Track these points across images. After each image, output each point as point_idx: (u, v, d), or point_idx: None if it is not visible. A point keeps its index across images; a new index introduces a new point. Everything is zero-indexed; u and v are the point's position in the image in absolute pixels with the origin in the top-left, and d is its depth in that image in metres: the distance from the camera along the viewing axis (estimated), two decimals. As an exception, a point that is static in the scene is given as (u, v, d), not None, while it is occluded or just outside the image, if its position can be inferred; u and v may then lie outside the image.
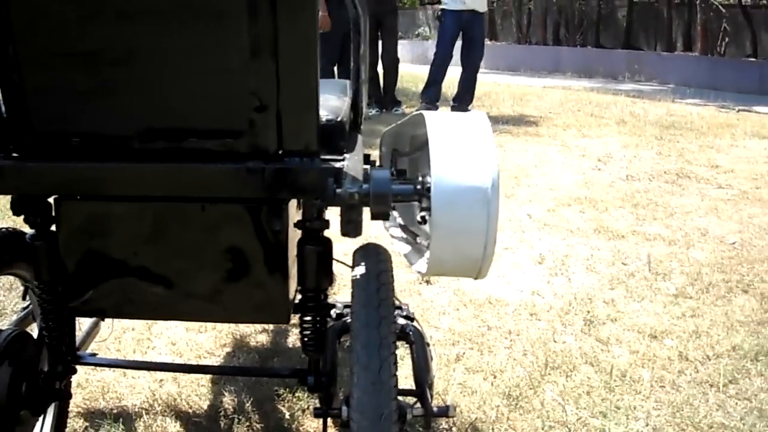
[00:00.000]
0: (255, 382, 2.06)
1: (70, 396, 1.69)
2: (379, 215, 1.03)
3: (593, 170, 4.27)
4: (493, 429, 1.93)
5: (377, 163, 1.77)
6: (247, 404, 1.96)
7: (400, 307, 1.75)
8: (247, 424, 1.92)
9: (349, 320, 1.57)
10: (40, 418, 1.62)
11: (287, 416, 1.95)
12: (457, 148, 0.94)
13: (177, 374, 2.08)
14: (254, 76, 1.08)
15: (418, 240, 1.33)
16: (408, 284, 2.80)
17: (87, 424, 1.91)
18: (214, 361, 2.14)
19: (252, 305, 1.43)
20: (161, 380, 2.09)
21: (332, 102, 1.45)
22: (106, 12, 1.07)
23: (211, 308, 1.46)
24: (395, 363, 1.28)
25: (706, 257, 3.00)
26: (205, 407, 1.97)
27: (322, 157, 1.26)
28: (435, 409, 1.51)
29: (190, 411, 1.96)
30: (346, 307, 1.75)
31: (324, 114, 1.33)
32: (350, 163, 1.25)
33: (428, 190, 0.99)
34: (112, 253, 1.37)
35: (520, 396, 2.06)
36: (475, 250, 0.96)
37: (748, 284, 2.73)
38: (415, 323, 1.73)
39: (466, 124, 0.99)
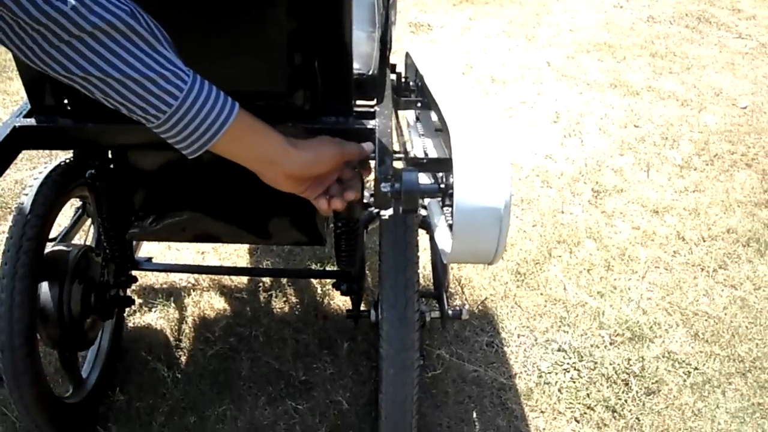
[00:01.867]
0: (290, 265, 2.26)
1: (131, 302, 1.88)
2: (409, 210, 1.15)
3: (615, 8, 4.21)
4: (500, 305, 2.14)
5: (402, 75, 1.84)
6: (284, 280, 2.17)
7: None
8: (284, 298, 2.13)
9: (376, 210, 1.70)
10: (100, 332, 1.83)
11: (319, 291, 2.15)
12: (478, 173, 1.06)
13: (219, 252, 2.27)
14: (288, 40, 1.12)
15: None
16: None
17: (141, 301, 2.13)
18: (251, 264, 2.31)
19: (291, 230, 1.58)
20: (203, 252, 2.28)
21: (362, 46, 1.49)
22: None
23: (254, 233, 1.62)
24: (417, 263, 1.43)
25: (716, 123, 3.08)
26: (245, 282, 2.17)
27: (356, 109, 1.35)
28: (450, 312, 1.69)
29: (232, 287, 2.16)
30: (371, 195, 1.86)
31: (356, 67, 1.40)
32: (381, 122, 1.32)
33: (451, 195, 1.11)
34: (165, 188, 1.51)
35: (527, 272, 2.25)
36: (488, 255, 1.10)
37: (752, 158, 2.83)
38: None
39: (488, 145, 1.09)
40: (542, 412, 1.82)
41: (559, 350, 1.99)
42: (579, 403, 1.83)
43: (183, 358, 1.96)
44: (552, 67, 3.48)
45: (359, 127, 1.29)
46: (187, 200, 1.54)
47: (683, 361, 1.96)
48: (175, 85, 0.93)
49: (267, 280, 2.18)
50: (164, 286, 2.17)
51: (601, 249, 2.35)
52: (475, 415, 1.82)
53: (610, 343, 2.01)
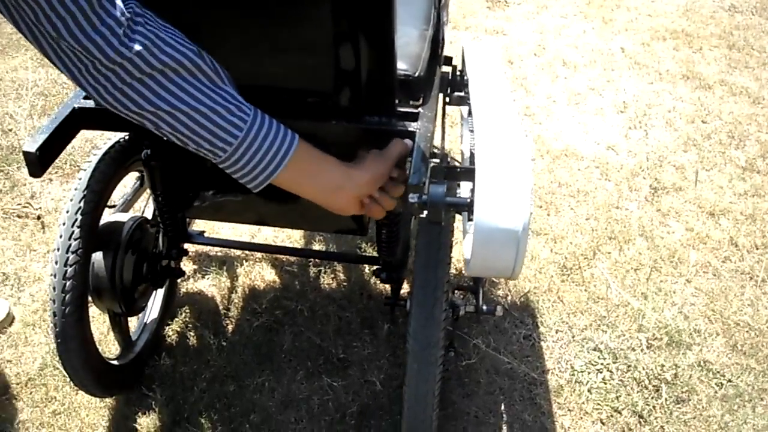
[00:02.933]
0: (336, 247, 2.29)
1: (183, 273, 1.94)
2: (434, 222, 1.16)
3: (700, -8, 4.06)
4: (542, 299, 2.13)
5: (458, 69, 1.83)
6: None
7: None
8: (332, 275, 2.17)
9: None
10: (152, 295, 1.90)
11: (366, 270, 2.18)
12: (499, 195, 1.06)
13: (272, 228, 2.31)
14: (337, 48, 1.13)
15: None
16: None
17: (196, 267, 2.19)
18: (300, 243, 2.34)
19: (334, 218, 1.60)
20: (258, 229, 2.33)
21: (412, 46, 1.49)
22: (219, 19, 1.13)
23: (297, 219, 1.65)
24: (449, 264, 1.44)
25: (786, 122, 2.97)
26: (295, 258, 2.21)
27: (400, 109, 1.35)
28: (484, 307, 1.70)
29: (283, 259, 2.21)
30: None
31: (402, 68, 1.40)
32: (423, 125, 1.32)
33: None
34: (214, 171, 1.54)
35: (573, 267, 2.23)
36: (506, 272, 1.11)
37: (819, 164, 2.73)
38: None
39: (512, 166, 1.09)
40: (569, 410, 1.82)
41: (594, 349, 1.98)
42: (607, 405, 1.83)
43: (230, 327, 2.02)
44: (625, 53, 3.40)
45: (401, 129, 1.30)
46: (235, 184, 1.57)
47: (717, 372, 1.92)
48: (239, 118, 0.97)
49: (317, 259, 2.22)
50: (219, 254, 2.23)
51: (652, 249, 2.31)
52: (503, 407, 1.83)
53: (647, 347, 1.98)
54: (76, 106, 1.42)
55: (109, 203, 1.77)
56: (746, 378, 1.92)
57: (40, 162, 1.32)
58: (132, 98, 0.92)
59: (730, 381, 1.91)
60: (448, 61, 1.86)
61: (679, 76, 3.24)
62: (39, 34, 0.86)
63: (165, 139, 0.99)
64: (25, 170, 2.53)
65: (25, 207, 2.42)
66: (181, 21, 1.00)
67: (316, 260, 2.20)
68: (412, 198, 1.16)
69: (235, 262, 2.20)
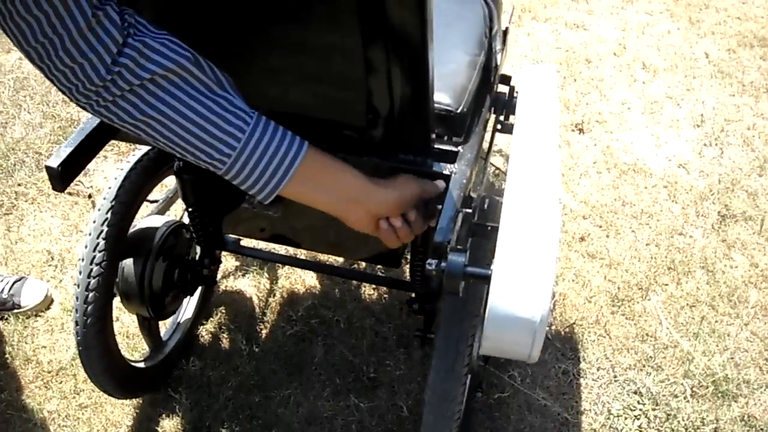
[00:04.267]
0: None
1: (215, 282, 1.89)
2: (451, 291, 1.06)
3: (799, -4, 3.76)
4: (589, 331, 2.01)
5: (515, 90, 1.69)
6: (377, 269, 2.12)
7: None
8: (374, 286, 2.09)
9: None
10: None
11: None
12: (518, 280, 0.96)
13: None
14: (369, 81, 1.05)
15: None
16: (561, 129, 2.74)
17: (238, 263, 2.14)
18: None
19: (367, 248, 1.52)
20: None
21: (459, 77, 1.37)
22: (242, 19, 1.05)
23: (330, 245, 1.57)
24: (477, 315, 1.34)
25: None
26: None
27: (438, 146, 1.25)
28: None
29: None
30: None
31: (444, 102, 1.29)
32: (460, 167, 1.22)
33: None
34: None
35: (625, 299, 2.11)
36: (522, 357, 1.01)
37: None
38: None
39: (536, 248, 0.99)
40: (600, 460, 1.72)
41: (635, 392, 1.86)
42: (640, 459, 1.72)
43: (263, 333, 1.97)
44: (709, 59, 3.17)
45: (435, 171, 1.20)
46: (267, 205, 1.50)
47: (761, 429, 1.79)
48: (237, 127, 0.90)
49: (363, 264, 2.14)
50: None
51: (712, 284, 2.16)
52: (530, 449, 1.74)
53: (691, 395, 1.86)
54: (106, 118, 1.36)
55: (150, 198, 1.73)
56: (794, 441, 1.78)
57: (62, 177, 1.28)
58: (125, 109, 0.87)
59: (775, 442, 1.77)
60: (506, 80, 1.73)
61: (764, 89, 3.02)
62: (33, 52, 0.81)
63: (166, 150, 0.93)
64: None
65: (76, 185, 2.41)
66: (216, 49, 0.94)
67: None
68: (430, 264, 1.07)
69: (277, 264, 2.14)
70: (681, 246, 2.29)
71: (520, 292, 0.94)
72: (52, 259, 2.19)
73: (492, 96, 1.49)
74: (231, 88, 0.93)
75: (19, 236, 2.28)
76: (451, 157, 1.23)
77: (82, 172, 2.41)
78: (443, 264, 1.04)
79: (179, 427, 1.75)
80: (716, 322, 2.06)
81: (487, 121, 1.45)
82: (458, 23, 1.50)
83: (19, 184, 2.45)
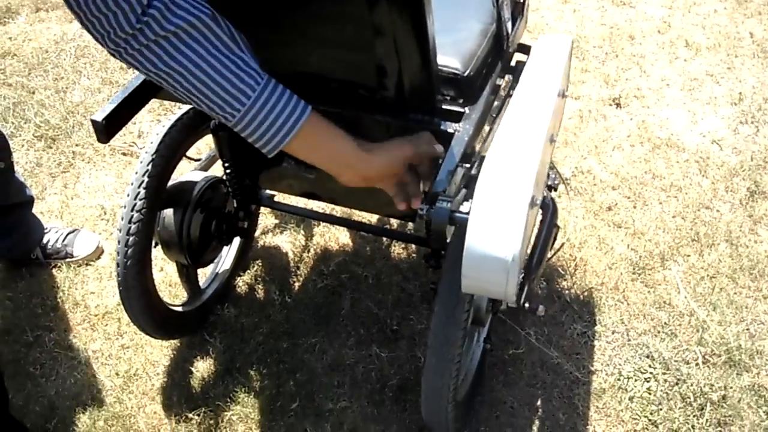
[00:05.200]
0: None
1: (250, 234, 2.01)
2: (438, 234, 1.16)
3: None
4: (607, 296, 2.09)
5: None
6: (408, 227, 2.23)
7: (547, 174, 1.75)
8: (403, 245, 2.20)
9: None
10: (227, 246, 1.98)
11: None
12: (492, 222, 1.06)
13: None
14: (377, 45, 1.14)
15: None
16: (598, 103, 2.80)
17: (277, 221, 2.27)
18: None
19: (386, 202, 1.62)
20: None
21: (468, 43, 1.46)
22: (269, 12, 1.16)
23: (352, 199, 1.68)
24: None
25: None
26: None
27: (445, 107, 1.34)
28: (526, 304, 1.67)
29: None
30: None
31: (452, 65, 1.38)
32: (465, 126, 1.31)
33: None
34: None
35: (646, 267, 2.17)
36: (498, 295, 1.11)
37: None
38: (553, 195, 1.77)
39: (511, 194, 1.08)
40: (606, 416, 1.80)
41: (647, 356, 1.93)
42: (645, 417, 1.79)
43: (296, 285, 2.09)
44: (754, 39, 3.17)
45: (441, 129, 1.30)
46: (295, 162, 1.61)
47: (771, 399, 1.84)
48: (248, 85, 1.00)
49: (394, 222, 2.25)
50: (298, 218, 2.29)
51: (734, 257, 2.21)
52: (540, 402, 1.83)
53: (703, 362, 1.92)
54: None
55: (194, 157, 1.86)
56: (800, 410, 1.83)
57: (106, 130, 1.41)
58: (149, 59, 0.97)
59: (782, 410, 1.82)
60: (526, 49, 1.80)
61: (810, 70, 3.01)
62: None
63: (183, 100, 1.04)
64: (137, 109, 2.67)
65: (131, 146, 2.56)
66: (235, 15, 1.03)
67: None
68: (421, 209, 1.17)
69: (313, 222, 2.26)
70: (707, 219, 2.33)
71: (493, 233, 1.03)
72: (105, 213, 2.35)
73: (504, 63, 1.56)
74: (247, 49, 1.03)
75: (74, 192, 2.45)
76: (457, 117, 1.32)
77: (137, 134, 2.57)
78: (431, 210, 1.15)
79: (212, 368, 1.89)
80: (735, 294, 2.10)
81: (499, 86, 1.53)
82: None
83: (77, 145, 2.62)
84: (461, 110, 1.34)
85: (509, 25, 1.51)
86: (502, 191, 1.07)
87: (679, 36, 3.20)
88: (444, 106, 1.34)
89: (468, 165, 1.26)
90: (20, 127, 2.71)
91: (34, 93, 2.88)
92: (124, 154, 2.54)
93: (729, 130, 2.69)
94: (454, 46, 1.40)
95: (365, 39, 1.15)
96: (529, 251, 1.76)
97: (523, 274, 1.69)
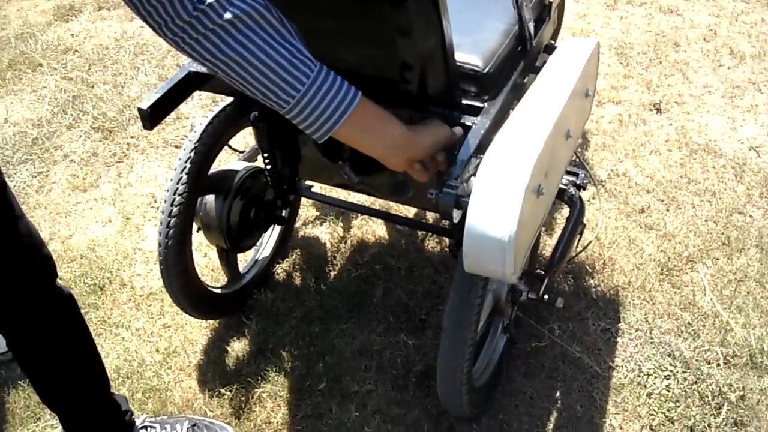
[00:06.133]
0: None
1: (288, 222, 2.11)
2: (446, 215, 1.24)
3: None
4: (633, 295, 2.13)
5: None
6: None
7: (575, 173, 1.78)
8: (437, 239, 2.27)
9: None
10: (269, 232, 2.08)
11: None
12: (491, 202, 1.13)
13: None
14: (400, 43, 1.22)
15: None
16: (638, 108, 2.83)
17: (317, 213, 2.37)
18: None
19: (418, 196, 1.70)
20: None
21: (491, 42, 1.53)
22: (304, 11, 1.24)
23: (387, 192, 1.76)
24: None
25: None
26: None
27: (465, 102, 1.42)
28: (545, 297, 1.73)
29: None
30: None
31: (472, 62, 1.46)
32: (482, 120, 1.39)
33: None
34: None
35: (674, 268, 2.20)
36: (497, 275, 1.17)
37: None
38: (582, 196, 1.82)
39: (511, 177, 1.15)
40: (623, 410, 1.85)
41: (669, 355, 1.97)
42: (662, 413, 1.83)
43: (331, 274, 2.19)
44: (804, 47, 3.17)
45: (460, 122, 1.38)
46: (328, 153, 1.70)
47: (791, 402, 1.86)
48: (303, 72, 1.05)
49: (429, 216, 2.33)
50: (335, 211, 2.38)
51: (763, 261, 2.23)
52: (558, 394, 1.88)
53: (723, 363, 1.95)
54: (191, 70, 1.60)
55: (239, 149, 1.97)
56: (819, 413, 1.85)
57: (150, 118, 1.52)
58: (206, 47, 1.01)
59: (801, 413, 1.84)
60: (552, 50, 1.87)
61: None
62: None
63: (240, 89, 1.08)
64: (190, 104, 2.81)
65: (182, 139, 2.69)
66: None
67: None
68: (431, 194, 1.25)
69: (351, 215, 2.35)
70: (739, 224, 2.35)
71: (490, 215, 1.11)
72: (155, 201, 2.48)
73: (528, 62, 1.63)
74: (298, 36, 1.07)
75: (127, 181, 2.58)
76: (475, 111, 1.40)
77: (189, 128, 2.70)
78: (440, 194, 1.23)
79: (246, 348, 1.99)
80: (762, 298, 2.13)
81: (521, 84, 1.60)
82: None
83: (131, 137, 2.76)
84: (480, 105, 1.42)
85: (531, 25, 1.58)
86: (501, 175, 1.14)
87: (725, 44, 3.22)
88: (464, 101, 1.42)
89: (482, 156, 1.34)
90: (78, 119, 2.87)
91: (93, 87, 3.03)
92: (176, 146, 2.67)
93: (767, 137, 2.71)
94: (475, 45, 1.48)
95: (389, 37, 1.24)
96: (550, 245, 1.83)
97: (543, 270, 1.77)
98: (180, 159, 1.70)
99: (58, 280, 1.43)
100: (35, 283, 1.36)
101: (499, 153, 1.20)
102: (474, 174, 1.32)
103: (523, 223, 1.17)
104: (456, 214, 1.24)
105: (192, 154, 1.69)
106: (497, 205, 1.13)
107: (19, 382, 1.93)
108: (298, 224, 2.32)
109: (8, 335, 1.44)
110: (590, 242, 2.23)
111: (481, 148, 1.34)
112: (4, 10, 3.62)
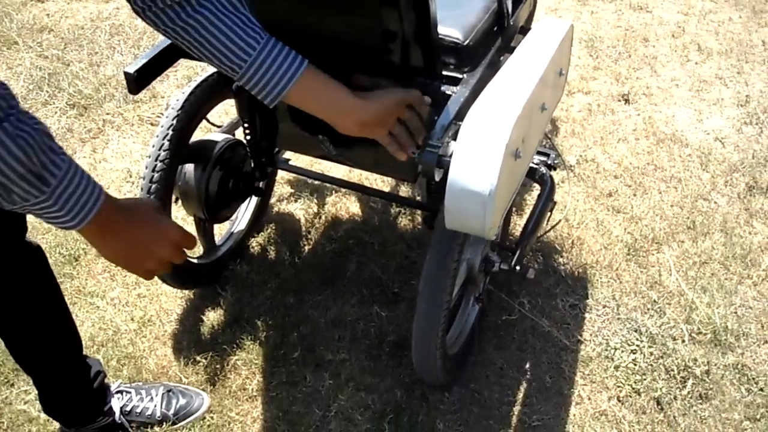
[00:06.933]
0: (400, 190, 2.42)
1: (264, 194, 2.13)
2: (427, 174, 1.28)
3: None
4: (601, 273, 2.18)
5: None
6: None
7: (547, 154, 1.84)
8: (410, 217, 2.31)
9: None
10: (245, 206, 2.10)
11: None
12: (472, 159, 1.17)
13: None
14: (384, 12, 1.26)
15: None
16: (607, 98, 2.90)
17: (292, 190, 2.39)
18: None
19: (389, 164, 1.73)
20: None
21: (470, 17, 1.58)
22: None
23: (358, 159, 1.79)
24: None
25: None
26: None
27: (445, 73, 1.47)
28: (517, 267, 1.78)
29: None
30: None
31: (452, 35, 1.50)
32: (461, 89, 1.43)
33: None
34: (292, 112, 1.70)
35: (641, 249, 2.26)
36: (477, 230, 1.22)
37: None
38: (553, 175, 1.87)
39: (491, 137, 1.19)
40: (591, 382, 1.90)
41: (635, 330, 2.02)
42: (628, 385, 1.88)
43: (305, 248, 2.21)
44: (765, 46, 3.26)
45: (441, 91, 1.42)
46: (307, 125, 1.73)
47: (752, 378, 1.92)
48: (253, 39, 1.13)
49: (403, 191, 2.36)
50: (315, 182, 2.41)
51: (728, 245, 2.29)
52: (528, 365, 1.93)
53: (689, 339, 2.01)
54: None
55: (217, 123, 1.98)
56: (778, 388, 1.91)
57: (136, 82, 1.54)
58: (169, 16, 1.10)
59: (761, 390, 1.90)
60: (527, 31, 1.92)
61: (818, 77, 3.09)
62: None
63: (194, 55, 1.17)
64: (165, 83, 2.81)
65: (158, 117, 2.69)
66: None
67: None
68: (414, 153, 1.29)
69: (326, 191, 2.38)
70: (704, 210, 2.42)
71: (472, 171, 1.15)
72: (130, 176, 2.48)
73: (505, 41, 1.68)
74: (246, 8, 1.16)
75: (102, 157, 2.59)
76: (455, 82, 1.44)
77: (165, 106, 2.71)
78: (422, 153, 1.27)
79: (221, 317, 2.01)
80: (726, 279, 2.19)
81: (497, 60, 1.64)
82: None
83: (107, 113, 2.76)
84: (459, 76, 1.46)
85: (509, 4, 1.62)
86: (483, 134, 1.18)
87: (693, 41, 3.30)
88: (444, 72, 1.46)
89: (460, 123, 1.38)
90: (54, 95, 2.86)
91: (69, 65, 3.03)
92: (151, 124, 2.67)
93: (733, 129, 2.78)
94: (457, 19, 1.52)
95: (374, 7, 1.27)
96: (521, 225, 1.87)
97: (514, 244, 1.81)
98: (162, 125, 1.72)
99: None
100: (9, 233, 1.37)
101: (481, 115, 1.24)
102: (453, 138, 1.37)
103: (502, 182, 1.21)
104: (437, 174, 1.28)
105: (174, 122, 1.71)
106: (479, 161, 1.17)
107: (-8, 348, 1.93)
108: (273, 200, 2.35)
109: None
110: (559, 221, 2.28)
111: (460, 115, 1.38)
112: (-22, -12, 3.59)
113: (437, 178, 1.26)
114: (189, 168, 1.83)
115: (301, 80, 1.18)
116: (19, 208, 0.88)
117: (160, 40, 1.62)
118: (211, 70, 1.78)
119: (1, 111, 0.83)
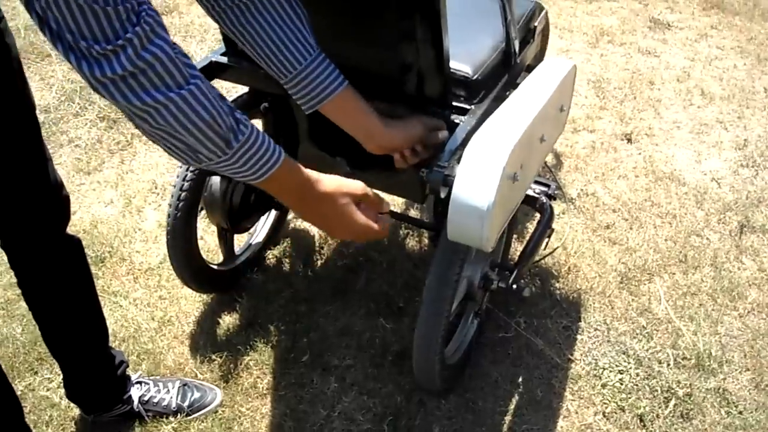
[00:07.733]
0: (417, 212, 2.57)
1: (282, 208, 2.29)
2: (434, 191, 1.45)
3: None
4: (594, 299, 2.33)
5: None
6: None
7: (547, 185, 1.99)
8: (418, 239, 2.46)
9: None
10: (263, 219, 2.27)
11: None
12: (474, 177, 1.33)
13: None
14: (402, 47, 1.43)
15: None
16: (611, 137, 3.06)
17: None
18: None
19: (399, 183, 1.89)
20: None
21: (481, 54, 1.75)
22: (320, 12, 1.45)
23: (375, 181, 1.94)
24: None
25: None
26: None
27: (455, 104, 1.64)
28: (513, 286, 1.92)
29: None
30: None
31: (463, 69, 1.67)
32: (468, 120, 1.59)
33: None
34: (313, 131, 1.87)
35: (633, 278, 2.41)
36: (477, 242, 1.37)
37: None
38: (553, 205, 2.02)
39: (491, 161, 1.35)
40: (579, 398, 2.04)
41: (623, 353, 2.16)
42: (614, 402, 2.02)
43: (318, 262, 2.37)
44: (767, 93, 3.42)
45: (450, 120, 1.59)
46: (327, 146, 1.89)
47: (732, 402, 2.05)
48: (307, 51, 1.36)
49: (413, 212, 2.52)
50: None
51: (717, 279, 2.44)
52: (521, 379, 2.07)
53: (674, 363, 2.14)
54: (212, 59, 1.79)
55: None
56: (758, 415, 2.02)
57: None
58: (230, 17, 1.29)
59: (741, 413, 2.03)
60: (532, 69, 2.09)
61: (814, 126, 3.24)
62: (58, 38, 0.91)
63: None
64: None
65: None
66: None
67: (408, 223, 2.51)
68: (422, 172, 1.46)
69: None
70: (696, 245, 2.57)
71: (472, 188, 1.31)
72: (156, 188, 2.65)
73: (511, 77, 1.84)
74: (307, 21, 1.34)
75: (130, 168, 2.76)
76: (463, 112, 1.61)
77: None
78: (430, 174, 1.44)
79: (236, 321, 2.16)
80: (713, 310, 2.33)
81: (503, 95, 1.81)
82: (491, 13, 1.86)
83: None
84: (468, 107, 1.63)
85: (516, 44, 1.79)
86: (483, 158, 1.35)
87: (697, 85, 3.47)
88: (454, 102, 1.63)
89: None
90: (85, 108, 3.04)
91: (101, 80, 3.21)
92: (177, 137, 2.84)
93: (730, 171, 2.94)
94: (468, 55, 1.69)
95: (394, 41, 1.45)
96: (525, 249, 2.02)
97: (514, 263, 1.96)
98: (194, 139, 1.88)
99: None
100: (54, 222, 1.53)
101: (483, 140, 1.41)
102: (459, 161, 1.53)
103: (499, 200, 1.37)
104: (443, 191, 1.44)
105: (205, 136, 1.88)
106: (479, 180, 1.33)
107: (18, 337, 2.09)
108: (289, 217, 2.51)
109: (21, 273, 1.59)
110: (557, 247, 2.43)
111: (466, 142, 1.55)
112: (14, 2, 3.79)
113: (443, 195, 1.42)
114: (215, 180, 1.99)
115: (338, 97, 1.37)
116: (204, 165, 1.05)
117: (199, 59, 1.78)
118: (240, 90, 1.95)
119: (183, 78, 0.97)
